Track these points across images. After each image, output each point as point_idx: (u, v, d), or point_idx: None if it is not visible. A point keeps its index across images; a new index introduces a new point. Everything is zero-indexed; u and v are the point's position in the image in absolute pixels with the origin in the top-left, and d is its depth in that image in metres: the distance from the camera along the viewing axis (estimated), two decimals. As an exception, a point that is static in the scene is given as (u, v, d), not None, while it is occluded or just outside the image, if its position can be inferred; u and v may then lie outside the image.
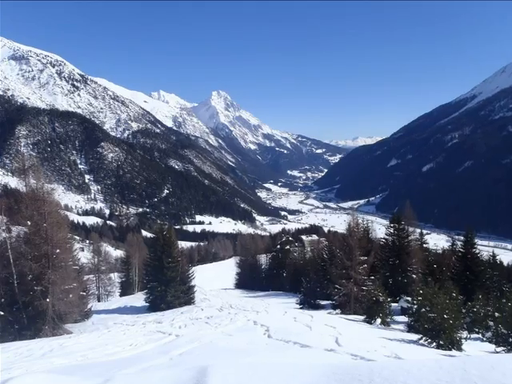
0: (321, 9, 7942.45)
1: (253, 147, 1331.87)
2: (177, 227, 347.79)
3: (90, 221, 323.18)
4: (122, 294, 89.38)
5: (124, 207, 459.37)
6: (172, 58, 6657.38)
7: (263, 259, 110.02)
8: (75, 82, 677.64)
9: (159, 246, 52.70)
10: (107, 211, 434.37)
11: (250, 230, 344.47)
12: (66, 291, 37.08)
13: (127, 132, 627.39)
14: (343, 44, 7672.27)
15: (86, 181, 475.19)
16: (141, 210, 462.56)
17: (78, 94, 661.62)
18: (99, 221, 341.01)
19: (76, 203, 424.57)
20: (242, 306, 48.66)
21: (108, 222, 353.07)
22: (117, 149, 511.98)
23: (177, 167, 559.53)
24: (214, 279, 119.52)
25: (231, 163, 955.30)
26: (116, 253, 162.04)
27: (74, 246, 57.95)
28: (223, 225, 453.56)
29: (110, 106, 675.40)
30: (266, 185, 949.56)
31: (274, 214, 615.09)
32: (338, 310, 46.03)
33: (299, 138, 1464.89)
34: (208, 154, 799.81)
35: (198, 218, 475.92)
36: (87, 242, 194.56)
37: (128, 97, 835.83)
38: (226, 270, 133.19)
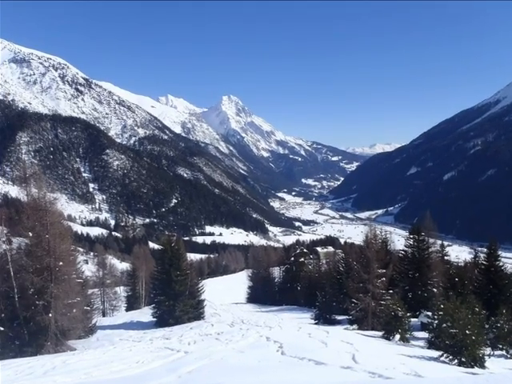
0: (336, 9, 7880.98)
1: (265, 154, 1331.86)
2: (185, 238, 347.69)
3: (95, 232, 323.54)
4: (128, 309, 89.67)
5: (130, 217, 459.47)
6: (180, 60, 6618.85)
7: (276, 272, 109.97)
8: (79, 86, 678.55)
9: (167, 258, 52.78)
10: (112, 222, 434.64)
11: (263, 242, 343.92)
12: (69, 306, 37.18)
13: (133, 139, 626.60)
14: (360, 47, 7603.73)
15: (91, 190, 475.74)
16: (148, 220, 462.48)
17: (82, 99, 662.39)
18: (104, 232, 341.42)
19: (80, 213, 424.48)
20: (254, 321, 48.76)
21: (113, 233, 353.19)
22: (123, 156, 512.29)
23: (185, 175, 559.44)
24: (225, 293, 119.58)
25: (243, 171, 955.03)
26: (122, 265, 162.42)
27: (78, 258, 58.14)
28: (234, 236, 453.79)
29: (115, 112, 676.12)
30: (280, 194, 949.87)
31: (288, 224, 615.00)
32: (355, 326, 45.99)
33: (314, 145, 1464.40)
34: (218, 161, 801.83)
35: (208, 228, 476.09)
36: (91, 254, 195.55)
37: (134, 102, 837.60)
38: (238, 283, 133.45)
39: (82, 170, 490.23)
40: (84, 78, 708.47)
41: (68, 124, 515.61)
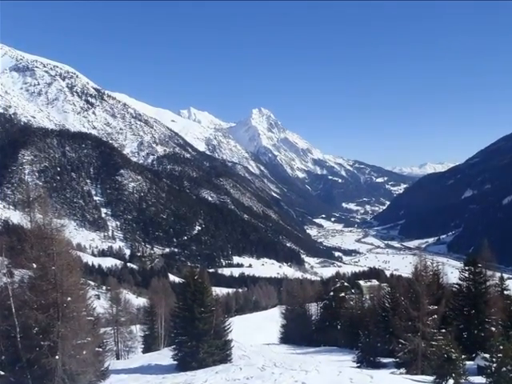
0: (383, 9, 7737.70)
1: (301, 175, 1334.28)
2: (211, 270, 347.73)
3: (107, 263, 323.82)
4: (146, 351, 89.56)
5: (147, 247, 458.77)
6: (204, 69, 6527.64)
7: (313, 309, 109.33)
8: (89, 98, 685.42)
9: (189, 292, 52.73)
10: (128, 251, 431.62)
11: (298, 274, 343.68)
12: (78, 347, 37.15)
13: (151, 157, 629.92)
14: (408, 54, 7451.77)
15: (103, 215, 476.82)
16: (167, 250, 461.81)
17: (93, 112, 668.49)
18: (118, 263, 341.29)
19: (90, 242, 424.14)
20: (288, 364, 48.67)
21: (128, 264, 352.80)
22: (139, 177, 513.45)
23: (210, 199, 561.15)
24: (255, 332, 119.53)
25: (275, 194, 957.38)
26: (138, 301, 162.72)
27: (89, 292, 58.19)
28: (265, 267, 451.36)
29: (130, 127, 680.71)
30: (317, 220, 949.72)
31: (327, 254, 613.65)
32: (403, 370, 45.75)
33: (356, 165, 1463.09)
34: (248, 183, 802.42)
35: (236, 259, 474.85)
36: (104, 288, 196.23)
37: (152, 115, 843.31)
38: (269, 321, 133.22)
39: (93, 192, 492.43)
40: (95, 89, 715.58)
41: (77, 141, 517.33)
